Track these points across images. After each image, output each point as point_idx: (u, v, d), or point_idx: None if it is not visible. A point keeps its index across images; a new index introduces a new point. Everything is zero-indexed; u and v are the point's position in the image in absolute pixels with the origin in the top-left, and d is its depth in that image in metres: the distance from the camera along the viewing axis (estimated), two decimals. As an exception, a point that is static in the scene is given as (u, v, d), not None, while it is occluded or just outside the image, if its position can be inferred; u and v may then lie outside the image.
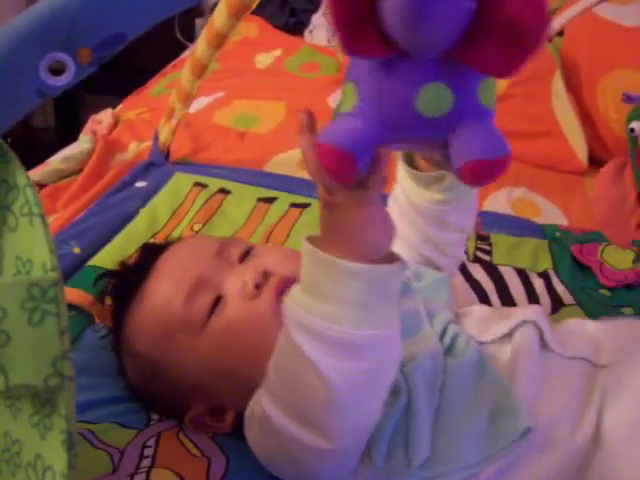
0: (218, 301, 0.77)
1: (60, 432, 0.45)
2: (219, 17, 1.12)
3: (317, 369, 0.59)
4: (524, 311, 0.79)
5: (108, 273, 0.92)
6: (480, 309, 0.86)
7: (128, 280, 0.85)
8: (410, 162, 0.81)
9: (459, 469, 0.68)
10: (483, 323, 0.80)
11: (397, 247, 0.84)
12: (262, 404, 0.66)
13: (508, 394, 0.71)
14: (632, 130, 0.95)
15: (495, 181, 0.49)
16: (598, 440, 0.69)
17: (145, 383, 0.82)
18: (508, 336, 0.77)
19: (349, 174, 0.52)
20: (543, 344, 0.75)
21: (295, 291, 0.62)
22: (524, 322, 0.77)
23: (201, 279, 0.78)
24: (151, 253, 0.86)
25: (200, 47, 1.21)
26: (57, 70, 0.49)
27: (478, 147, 0.49)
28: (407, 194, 0.84)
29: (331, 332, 0.59)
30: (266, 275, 0.77)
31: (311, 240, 0.61)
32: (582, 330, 0.80)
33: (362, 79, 0.51)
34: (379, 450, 0.68)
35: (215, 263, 0.80)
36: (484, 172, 0.49)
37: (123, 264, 0.89)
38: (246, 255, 0.82)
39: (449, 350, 0.75)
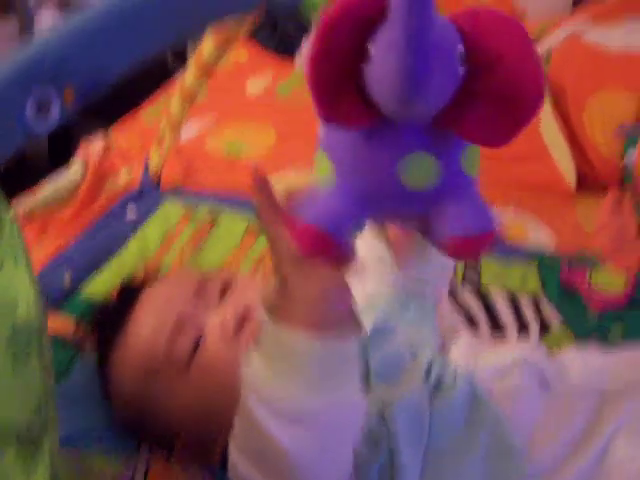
0: (199, 342, 0.77)
1: (45, 470, 0.46)
2: (206, 48, 1.13)
3: (272, 436, 0.58)
4: (522, 349, 0.80)
5: (89, 311, 0.92)
6: (470, 338, 0.86)
7: (110, 321, 0.85)
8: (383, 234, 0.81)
9: None
10: (475, 353, 0.80)
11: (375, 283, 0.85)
12: (230, 449, 0.65)
13: (505, 434, 0.70)
14: (627, 162, 0.96)
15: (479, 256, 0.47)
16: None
17: (133, 418, 0.82)
18: (504, 372, 0.76)
19: (328, 254, 0.49)
20: (542, 382, 0.75)
21: (252, 354, 0.61)
22: (523, 360, 0.77)
23: (181, 320, 0.78)
24: (130, 294, 0.86)
25: (189, 77, 1.22)
26: (44, 109, 0.49)
27: (462, 223, 0.46)
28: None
29: (284, 403, 0.58)
30: (246, 314, 0.77)
31: (267, 302, 0.59)
32: (581, 361, 0.80)
33: (338, 148, 0.48)
34: None
35: (194, 302, 0.80)
36: (468, 248, 0.47)
37: (103, 306, 0.89)
38: (225, 291, 0.81)
39: (436, 388, 0.74)
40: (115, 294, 0.90)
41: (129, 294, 0.86)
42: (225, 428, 0.74)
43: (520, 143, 1.69)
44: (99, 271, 1.16)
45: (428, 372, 0.75)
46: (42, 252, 1.26)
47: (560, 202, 1.57)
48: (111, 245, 1.23)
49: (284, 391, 0.58)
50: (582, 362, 0.80)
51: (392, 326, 0.80)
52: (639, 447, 0.69)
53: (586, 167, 1.65)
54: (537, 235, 1.45)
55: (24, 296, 0.46)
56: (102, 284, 1.10)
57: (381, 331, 0.78)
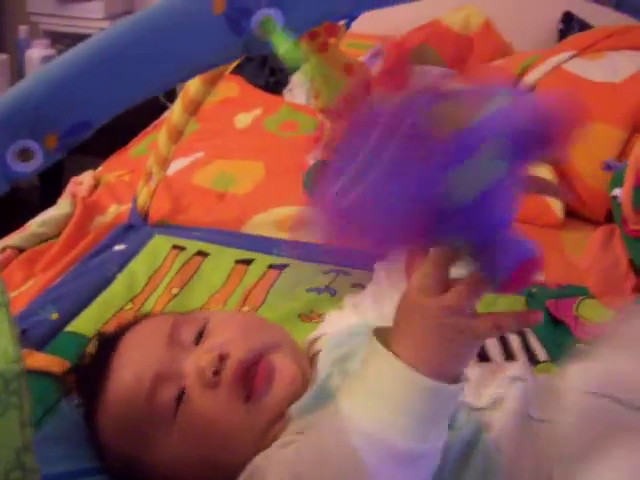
0: (181, 393, 0.76)
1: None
2: (193, 84, 1.14)
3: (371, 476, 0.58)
4: (513, 367, 0.80)
5: (72, 369, 0.91)
6: (474, 370, 0.85)
7: (90, 379, 0.84)
8: None
9: None
10: (478, 387, 0.79)
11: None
12: None
13: (497, 472, 0.70)
14: (615, 197, 0.97)
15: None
16: None
17: (122, 468, 0.81)
18: (500, 400, 0.76)
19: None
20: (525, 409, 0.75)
21: (355, 391, 0.60)
22: (514, 379, 0.77)
23: (159, 375, 0.76)
24: (106, 346, 0.84)
25: (175, 113, 1.23)
26: (25, 156, 0.50)
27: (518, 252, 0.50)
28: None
29: (396, 443, 0.58)
30: (222, 359, 0.76)
31: (381, 334, 0.59)
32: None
33: None
34: None
35: (170, 352, 0.78)
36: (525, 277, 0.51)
37: (83, 357, 0.88)
38: (201, 334, 0.80)
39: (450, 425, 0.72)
40: (94, 346, 0.88)
41: (106, 346, 0.84)
42: (219, 472, 0.75)
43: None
44: (86, 307, 1.16)
45: None
46: (30, 288, 1.26)
47: (548, 234, 1.58)
48: (99, 281, 1.23)
49: (398, 429, 0.58)
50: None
51: None
52: None
53: (575, 199, 1.67)
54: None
55: (2, 346, 0.46)
56: (89, 320, 1.10)
57: None
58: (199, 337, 0.80)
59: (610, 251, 1.04)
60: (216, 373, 0.75)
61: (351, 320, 0.91)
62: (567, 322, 1.17)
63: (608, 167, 0.98)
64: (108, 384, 0.80)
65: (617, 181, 0.96)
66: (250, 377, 0.76)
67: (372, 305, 0.94)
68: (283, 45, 0.50)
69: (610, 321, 0.90)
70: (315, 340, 0.89)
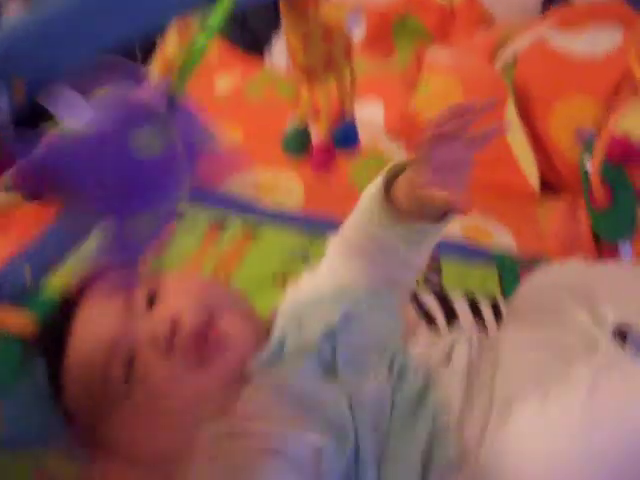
0: (132, 362, 0.75)
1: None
2: (170, 43, 1.13)
3: None
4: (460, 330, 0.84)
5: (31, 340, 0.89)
6: (426, 331, 0.88)
7: (50, 340, 0.82)
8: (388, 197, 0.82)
9: None
10: (428, 347, 0.82)
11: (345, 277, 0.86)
12: None
13: (442, 423, 0.71)
14: (585, 170, 0.97)
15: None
16: None
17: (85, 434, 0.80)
18: (448, 358, 0.78)
19: None
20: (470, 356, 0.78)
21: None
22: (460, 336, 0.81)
23: (114, 340, 0.75)
24: (67, 307, 0.82)
25: (153, 72, 1.22)
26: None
27: None
28: (373, 230, 0.84)
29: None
30: (175, 325, 0.75)
31: None
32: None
33: None
34: None
35: (126, 313, 0.77)
36: None
37: (45, 324, 0.85)
38: (153, 298, 0.79)
39: (398, 380, 0.75)
40: (56, 308, 0.85)
41: (67, 309, 0.81)
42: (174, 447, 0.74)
43: (486, 148, 1.72)
44: (60, 266, 1.15)
45: (391, 365, 0.76)
46: (3, 247, 1.25)
47: (524, 206, 1.60)
48: (73, 242, 1.23)
49: None
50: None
51: (361, 318, 0.81)
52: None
53: (550, 172, 1.68)
54: (500, 238, 1.47)
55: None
56: (62, 279, 1.10)
57: (350, 322, 0.79)
58: (151, 301, 0.78)
59: (573, 219, 1.06)
60: (169, 341, 0.74)
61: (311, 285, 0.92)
62: (539, 293, 1.19)
63: (581, 135, 0.99)
64: (68, 349, 0.78)
65: (587, 151, 0.97)
66: (202, 343, 0.75)
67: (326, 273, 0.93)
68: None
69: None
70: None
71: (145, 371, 0.74)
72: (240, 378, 0.75)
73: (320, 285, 0.89)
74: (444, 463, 0.69)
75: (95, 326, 0.77)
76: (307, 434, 0.68)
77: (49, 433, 0.83)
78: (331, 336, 0.77)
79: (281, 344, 0.78)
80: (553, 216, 1.13)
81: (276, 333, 0.79)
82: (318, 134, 0.95)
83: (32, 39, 0.48)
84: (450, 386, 0.75)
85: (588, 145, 0.97)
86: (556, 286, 0.86)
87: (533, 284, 0.91)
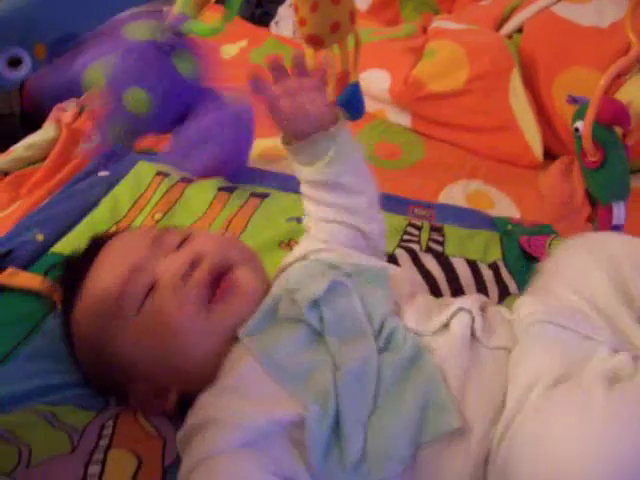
0: (152, 286, 0.80)
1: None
2: (177, 12, 1.14)
3: None
4: (462, 300, 0.83)
5: (58, 263, 0.94)
6: (423, 299, 0.88)
7: (75, 268, 0.88)
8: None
9: (391, 461, 0.70)
10: (424, 314, 0.82)
11: (321, 232, 0.89)
12: None
13: (440, 389, 0.73)
14: (577, 130, 0.99)
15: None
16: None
17: (93, 366, 0.85)
18: (446, 327, 0.79)
19: None
20: (473, 335, 0.78)
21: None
22: (460, 309, 0.80)
23: (136, 267, 0.81)
24: (96, 244, 0.89)
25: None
26: (15, 63, 0.51)
27: None
28: (305, 178, 0.93)
29: None
30: (196, 260, 0.81)
31: None
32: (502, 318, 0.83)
33: None
34: (316, 454, 0.69)
35: (150, 251, 0.83)
36: None
37: (71, 256, 0.92)
38: (182, 243, 0.85)
39: (386, 346, 0.77)
40: (83, 248, 0.92)
41: (95, 247, 0.88)
42: (176, 373, 0.79)
43: (490, 115, 1.74)
44: (71, 230, 1.18)
45: (380, 331, 0.78)
46: (15, 210, 1.28)
47: (527, 173, 1.61)
48: (83, 205, 1.25)
49: None
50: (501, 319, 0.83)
51: (349, 286, 0.83)
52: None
53: (554, 140, 1.69)
54: (503, 206, 1.49)
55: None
56: (73, 243, 1.12)
57: (337, 289, 0.82)
58: (181, 245, 0.85)
59: (568, 182, 1.07)
60: (186, 275, 0.80)
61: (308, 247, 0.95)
62: (539, 258, 1.21)
63: (573, 100, 1.00)
64: (91, 273, 0.84)
65: (580, 114, 0.98)
66: (215, 284, 0.81)
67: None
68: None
69: (553, 256, 0.93)
70: (283, 268, 0.92)
71: (160, 299, 0.79)
72: (233, 337, 0.79)
73: (309, 248, 0.94)
74: (439, 434, 0.71)
75: (122, 255, 0.83)
76: (282, 412, 0.71)
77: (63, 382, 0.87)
78: (317, 305, 0.80)
79: (272, 311, 0.81)
80: (546, 177, 1.14)
81: (268, 300, 0.82)
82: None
83: (51, 7, 0.50)
84: (448, 354, 0.76)
85: (581, 108, 0.99)
86: (591, 257, 0.85)
87: (568, 252, 0.91)
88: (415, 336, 0.78)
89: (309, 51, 1.00)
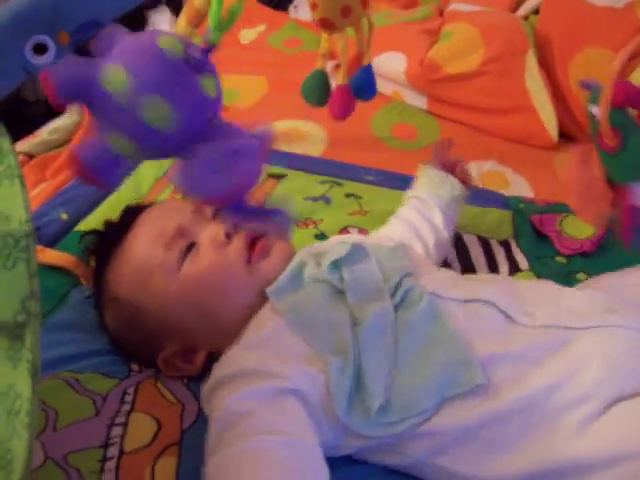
0: (192, 247, 0.86)
1: (27, 362, 0.52)
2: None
3: None
4: (482, 289, 0.85)
5: (93, 231, 0.99)
6: (444, 271, 0.93)
7: (111, 234, 0.93)
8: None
9: (415, 414, 0.74)
10: (442, 282, 0.87)
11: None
12: None
13: (462, 348, 0.77)
14: (592, 115, 1.01)
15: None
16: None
17: (124, 329, 0.89)
18: (465, 302, 0.83)
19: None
20: (507, 316, 0.81)
21: None
22: (480, 300, 0.83)
23: (180, 229, 0.87)
24: (133, 211, 0.95)
25: (180, 25, 1.27)
26: (40, 50, 0.55)
27: None
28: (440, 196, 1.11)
29: None
30: (236, 227, 0.87)
31: None
32: (551, 296, 0.86)
33: None
34: (340, 406, 0.74)
35: (193, 217, 0.90)
36: None
37: (106, 222, 0.97)
38: (218, 213, 0.91)
39: (401, 303, 0.81)
40: (118, 216, 0.97)
41: (130, 215, 0.94)
42: (210, 330, 0.85)
43: (505, 96, 1.76)
44: (95, 208, 1.22)
45: (396, 290, 0.83)
46: (41, 191, 1.32)
47: (541, 154, 1.63)
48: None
49: None
50: (544, 298, 0.86)
51: (367, 250, 0.88)
52: (594, 388, 0.74)
53: (570, 121, 1.70)
54: (517, 186, 1.52)
55: (17, 213, 0.52)
56: (97, 220, 1.15)
57: (357, 253, 0.87)
58: (216, 214, 0.91)
59: (588, 168, 1.09)
60: (228, 236, 0.87)
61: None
62: (550, 236, 1.24)
63: (585, 85, 1.02)
64: (130, 236, 0.90)
65: (594, 99, 1.00)
66: (254, 246, 0.88)
67: None
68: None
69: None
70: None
71: (203, 257, 0.86)
72: (263, 296, 0.84)
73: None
74: (463, 389, 0.74)
75: (164, 219, 0.90)
76: (310, 369, 0.76)
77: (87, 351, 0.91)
78: (339, 266, 0.85)
79: (299, 274, 0.86)
80: (567, 164, 1.16)
81: (294, 263, 0.88)
82: (337, 81, 1.00)
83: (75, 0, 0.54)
84: (471, 325, 0.79)
85: (595, 92, 1.00)
86: None
87: None
88: (432, 296, 0.82)
89: (324, 34, 1.02)
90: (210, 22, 0.63)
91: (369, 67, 1.01)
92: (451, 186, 1.13)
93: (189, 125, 0.59)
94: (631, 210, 1.10)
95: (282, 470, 0.66)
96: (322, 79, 1.01)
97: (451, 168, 1.16)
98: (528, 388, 0.75)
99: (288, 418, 0.72)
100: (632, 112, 1.12)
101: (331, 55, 1.05)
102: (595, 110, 1.01)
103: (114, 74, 0.56)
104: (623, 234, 1.12)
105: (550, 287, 0.90)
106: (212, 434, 0.72)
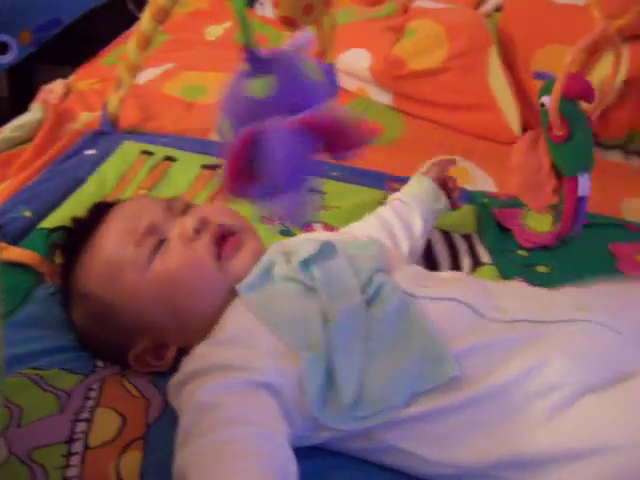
0: (162, 243, 0.87)
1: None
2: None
3: None
4: (453, 287, 0.87)
5: (60, 227, 0.99)
6: (414, 267, 0.95)
7: (80, 230, 0.93)
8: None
9: (388, 408, 0.75)
10: (414, 279, 0.88)
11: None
12: None
13: (436, 342, 0.78)
14: (542, 105, 1.04)
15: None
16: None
17: (93, 325, 0.89)
18: (437, 299, 0.84)
19: None
20: (477, 312, 0.82)
21: None
22: (451, 299, 0.84)
23: (151, 226, 0.88)
24: (102, 208, 0.95)
25: (145, 21, 1.27)
26: (2, 49, 0.55)
27: None
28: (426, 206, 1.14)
29: None
30: (204, 222, 0.88)
31: None
32: (521, 293, 0.89)
33: None
34: (313, 400, 0.75)
35: (164, 214, 0.90)
36: None
37: (74, 218, 0.96)
38: (188, 208, 0.92)
39: (373, 299, 0.83)
40: (85, 213, 0.97)
41: (99, 211, 0.94)
42: (179, 326, 0.86)
43: (468, 92, 1.78)
44: (59, 206, 1.21)
45: (367, 286, 0.84)
46: (4, 189, 1.31)
47: (505, 149, 1.64)
48: (70, 182, 1.29)
49: None
50: (514, 295, 0.88)
51: (337, 247, 0.89)
52: (563, 377, 0.76)
53: (532, 116, 1.73)
54: (481, 180, 1.54)
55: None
56: (61, 218, 1.15)
57: (327, 251, 0.88)
58: (186, 210, 0.92)
59: (534, 155, 1.11)
60: (197, 231, 0.87)
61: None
62: (512, 229, 1.26)
63: (538, 76, 1.05)
64: (99, 232, 0.90)
65: (546, 90, 1.03)
66: (223, 241, 0.89)
67: None
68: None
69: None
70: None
71: (172, 253, 0.86)
72: (232, 293, 0.85)
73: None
74: (436, 383, 0.76)
75: (135, 215, 0.90)
76: (281, 363, 0.77)
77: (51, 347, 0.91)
78: (309, 264, 0.86)
79: (268, 271, 0.87)
80: (513, 151, 1.18)
81: (264, 260, 0.88)
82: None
83: None
84: (443, 319, 0.81)
85: (547, 84, 1.03)
86: None
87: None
88: (403, 293, 0.83)
89: (286, 31, 1.03)
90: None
91: (331, 65, 1.02)
92: (437, 198, 1.16)
93: None
94: (575, 199, 1.13)
95: (250, 461, 0.67)
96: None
97: (443, 182, 1.19)
98: (499, 378, 0.76)
99: (258, 410, 0.73)
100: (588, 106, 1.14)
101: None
102: (546, 100, 1.04)
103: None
104: (565, 221, 1.15)
105: (520, 286, 0.92)
106: (181, 427, 0.73)
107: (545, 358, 0.77)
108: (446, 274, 1.02)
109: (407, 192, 1.16)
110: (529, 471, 0.74)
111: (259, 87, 0.66)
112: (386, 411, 0.75)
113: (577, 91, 1.07)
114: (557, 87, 0.97)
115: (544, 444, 0.73)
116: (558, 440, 0.73)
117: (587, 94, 1.07)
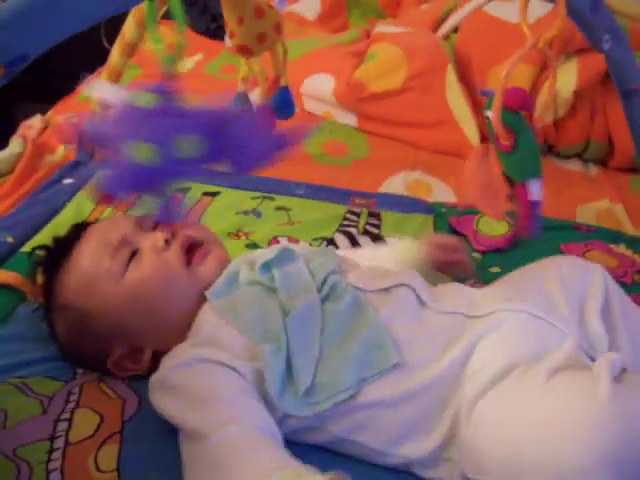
0: (135, 254, 0.94)
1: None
2: (129, 28, 1.26)
3: None
4: (402, 275, 0.96)
5: (42, 246, 1.06)
6: (367, 268, 1.02)
7: (59, 248, 1.00)
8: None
9: (337, 392, 0.83)
10: (366, 277, 0.96)
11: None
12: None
13: (380, 332, 0.86)
14: (487, 118, 1.12)
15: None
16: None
17: (73, 335, 0.96)
18: (386, 290, 0.93)
19: None
20: (420, 302, 0.92)
21: None
22: (401, 284, 0.93)
23: (123, 239, 0.95)
24: (80, 227, 1.02)
25: (114, 56, 1.35)
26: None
27: None
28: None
29: None
30: (174, 234, 0.96)
31: None
32: (458, 291, 0.97)
33: None
34: (274, 387, 0.82)
35: (135, 229, 0.97)
36: None
37: (55, 238, 1.04)
38: (157, 225, 0.99)
39: (328, 296, 0.91)
40: (66, 232, 1.04)
41: (77, 230, 1.02)
42: (154, 329, 0.93)
43: (428, 110, 1.87)
44: (39, 231, 1.28)
45: (323, 285, 0.92)
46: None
47: (463, 165, 1.73)
48: (50, 209, 1.36)
49: None
50: (458, 291, 0.97)
51: (296, 252, 0.98)
52: (493, 356, 0.85)
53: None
54: (440, 192, 1.62)
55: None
56: (41, 242, 1.21)
57: (286, 255, 0.97)
58: (155, 226, 0.99)
59: (486, 166, 1.18)
60: (167, 242, 0.95)
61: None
62: (466, 235, 1.34)
63: (484, 93, 1.13)
64: (76, 248, 0.97)
65: (490, 104, 1.11)
66: (192, 251, 0.97)
67: None
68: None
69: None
70: None
71: (144, 263, 0.93)
72: (203, 299, 0.93)
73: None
74: (380, 370, 0.83)
75: (109, 231, 0.98)
76: (249, 357, 0.85)
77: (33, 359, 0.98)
78: (269, 267, 0.95)
79: (234, 277, 0.95)
80: (466, 163, 1.25)
81: (230, 268, 0.97)
82: (256, 100, 1.10)
83: (5, 29, 0.60)
84: (390, 311, 0.89)
85: (490, 99, 1.11)
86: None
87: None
88: (356, 289, 0.92)
89: (242, 59, 1.12)
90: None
91: (286, 88, 1.11)
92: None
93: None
94: (528, 204, 1.20)
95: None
96: (243, 100, 1.10)
97: (448, 266, 1.13)
98: (436, 367, 0.85)
99: (241, 400, 0.81)
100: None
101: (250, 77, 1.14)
102: (490, 114, 1.12)
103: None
104: (522, 225, 1.23)
105: (456, 286, 1.00)
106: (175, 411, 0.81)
107: (472, 348, 0.85)
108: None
109: (389, 258, 1.13)
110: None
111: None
112: (337, 394, 0.83)
113: (515, 102, 1.15)
114: (497, 101, 1.05)
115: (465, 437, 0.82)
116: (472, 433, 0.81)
117: (524, 104, 1.14)
